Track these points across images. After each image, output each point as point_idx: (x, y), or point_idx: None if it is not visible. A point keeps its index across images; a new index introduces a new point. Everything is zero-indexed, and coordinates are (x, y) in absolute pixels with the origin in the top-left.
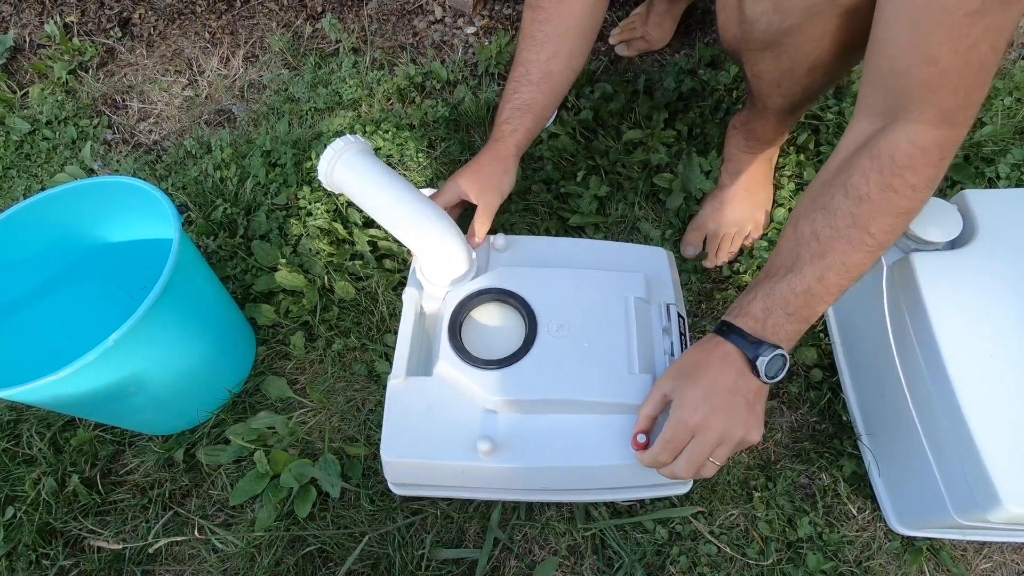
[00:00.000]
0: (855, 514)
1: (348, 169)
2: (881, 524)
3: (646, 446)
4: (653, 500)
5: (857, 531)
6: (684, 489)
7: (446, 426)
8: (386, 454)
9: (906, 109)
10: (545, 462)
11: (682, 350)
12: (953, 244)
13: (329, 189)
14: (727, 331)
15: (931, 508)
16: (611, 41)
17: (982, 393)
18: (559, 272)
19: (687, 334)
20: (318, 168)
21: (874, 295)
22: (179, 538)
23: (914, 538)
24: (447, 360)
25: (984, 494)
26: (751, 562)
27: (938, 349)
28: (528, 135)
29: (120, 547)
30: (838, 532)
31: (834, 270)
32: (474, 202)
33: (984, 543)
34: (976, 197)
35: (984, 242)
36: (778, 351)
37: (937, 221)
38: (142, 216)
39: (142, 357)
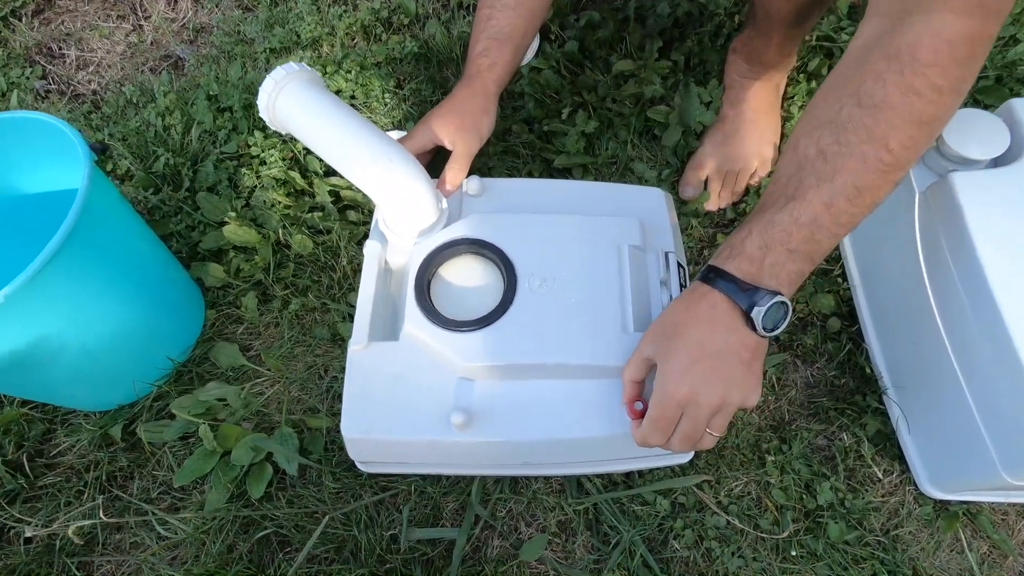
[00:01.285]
0: (880, 477)
1: (293, 102)
2: (911, 488)
3: (643, 413)
4: (654, 468)
5: (883, 496)
6: (686, 458)
7: (415, 397)
8: (347, 430)
9: (929, 2)
10: (529, 435)
11: None
12: (997, 162)
13: (273, 127)
14: (715, 277)
15: (973, 467)
16: None
17: None
18: (541, 219)
19: (688, 286)
20: (258, 103)
21: (903, 227)
22: (119, 520)
23: (948, 502)
24: (414, 322)
25: None
26: (764, 534)
27: (985, 281)
28: (507, 68)
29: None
30: (862, 498)
31: (845, 195)
32: (448, 146)
33: None
34: None
35: None
36: (778, 297)
37: (980, 136)
38: (62, 163)
39: (50, 319)
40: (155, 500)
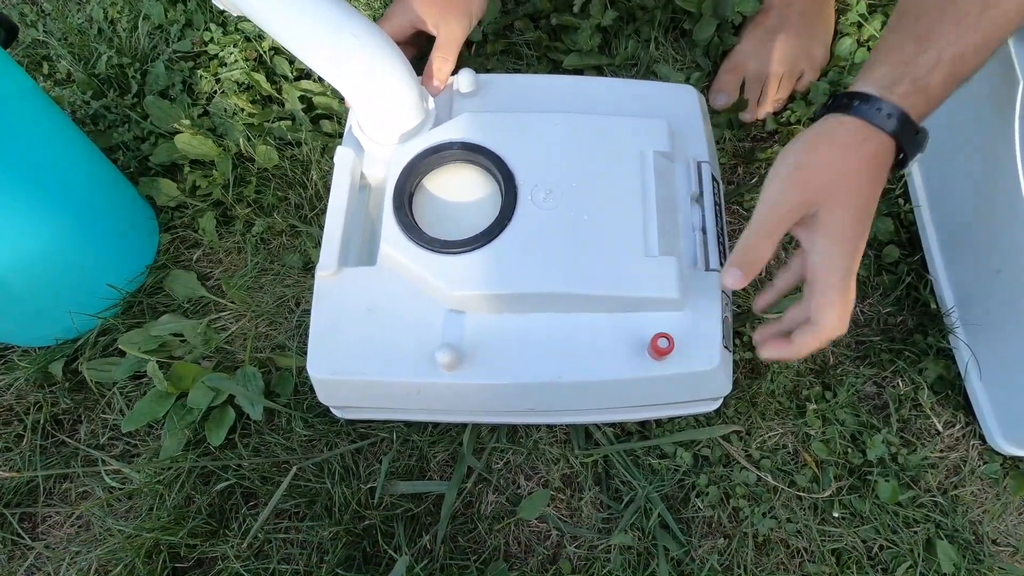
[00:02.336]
0: (940, 429)
1: None
2: (976, 442)
3: (667, 352)
4: (672, 419)
5: (943, 451)
6: (714, 406)
7: (394, 332)
8: (314, 370)
9: None
10: (529, 377)
11: (717, 226)
12: None
13: (222, 7)
14: (883, 114)
15: None
16: None
17: None
18: (547, 118)
19: (722, 205)
20: None
21: (998, 133)
22: (63, 471)
23: (1021, 459)
24: (393, 243)
25: None
26: (802, 493)
27: None
28: None
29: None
30: (918, 453)
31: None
32: (432, 31)
33: None
34: None
35: None
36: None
37: None
38: None
39: None
40: (105, 447)
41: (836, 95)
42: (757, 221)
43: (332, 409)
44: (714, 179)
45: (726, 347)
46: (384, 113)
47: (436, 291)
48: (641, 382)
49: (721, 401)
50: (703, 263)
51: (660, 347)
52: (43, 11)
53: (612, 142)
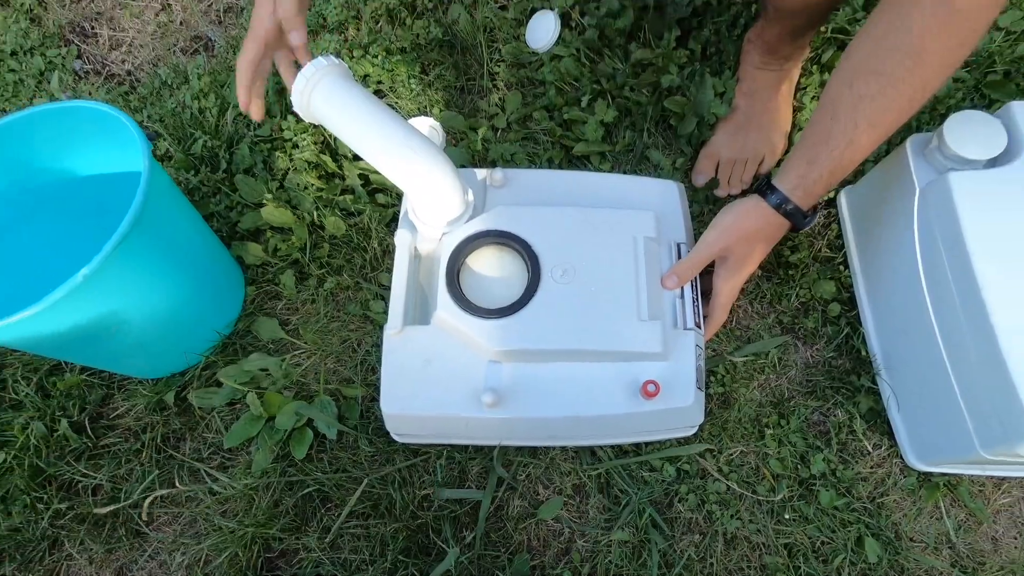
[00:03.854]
0: (870, 451)
1: (325, 100)
2: (897, 460)
3: (655, 394)
4: (660, 441)
5: (872, 468)
6: (691, 431)
7: (447, 378)
8: (386, 407)
9: None
10: (551, 412)
11: (693, 292)
12: (995, 162)
13: (307, 120)
14: (782, 205)
15: (954, 443)
16: None
17: (1018, 321)
18: (563, 211)
19: (696, 277)
20: (292, 100)
21: (903, 221)
22: (170, 490)
23: (931, 474)
24: (446, 309)
25: (1017, 426)
26: (761, 499)
27: (974, 276)
28: None
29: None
30: (852, 469)
31: (886, 132)
32: (278, 13)
33: (1004, 478)
34: (1022, 110)
35: None
36: (820, 215)
37: (978, 137)
38: (111, 146)
39: (119, 294)
40: (206, 460)
41: (765, 180)
42: (696, 252)
43: (394, 435)
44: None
45: (699, 388)
46: (435, 206)
47: (480, 347)
48: (635, 416)
49: (697, 427)
50: (682, 324)
51: (649, 391)
52: (142, 97)
53: (612, 230)
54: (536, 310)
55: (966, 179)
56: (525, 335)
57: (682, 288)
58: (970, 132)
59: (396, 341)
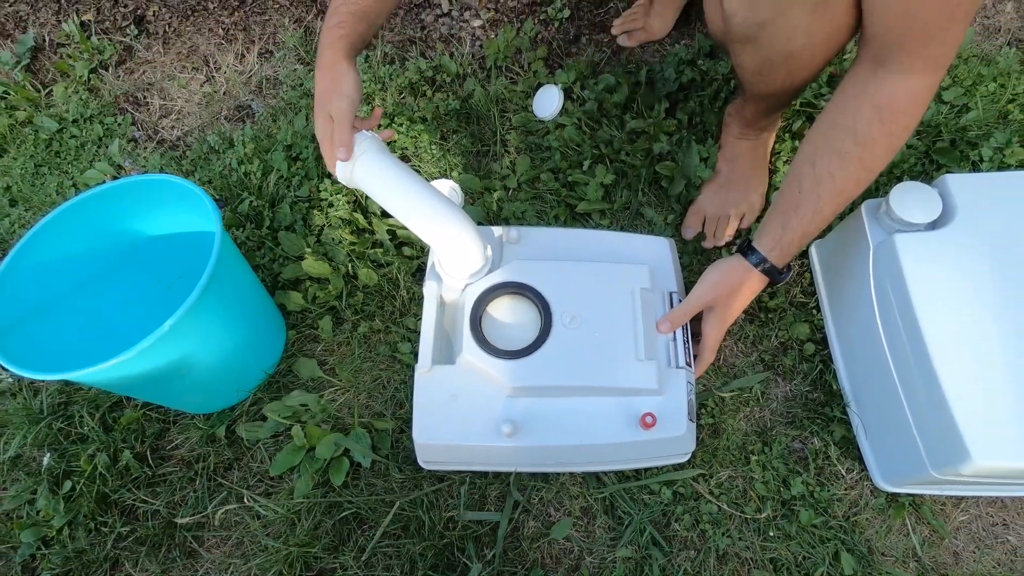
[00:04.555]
0: (843, 474)
1: (366, 171)
2: (867, 483)
3: (652, 425)
4: (658, 468)
5: (845, 490)
6: (685, 458)
7: (471, 411)
8: (418, 437)
9: (900, 60)
10: (562, 441)
11: (684, 335)
12: (934, 225)
13: (349, 187)
14: (760, 264)
15: (911, 465)
16: (613, 32)
17: (955, 360)
18: (571, 265)
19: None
20: (336, 173)
21: (862, 274)
22: (230, 506)
23: (897, 494)
24: (470, 352)
25: (956, 450)
26: (748, 518)
27: (917, 321)
28: (361, 39)
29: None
30: (828, 491)
31: (843, 205)
32: (334, 116)
33: (961, 497)
34: (955, 181)
35: (962, 223)
36: (792, 271)
37: (919, 204)
38: (178, 210)
39: (191, 341)
40: (252, 487)
41: (747, 241)
42: (687, 303)
43: (421, 463)
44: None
45: (691, 419)
46: (459, 261)
47: (499, 384)
48: (635, 444)
49: (691, 454)
50: (674, 363)
51: (647, 422)
52: (193, 160)
53: (613, 282)
54: (548, 352)
55: (909, 239)
56: (539, 373)
57: (674, 331)
58: (912, 200)
59: (425, 379)
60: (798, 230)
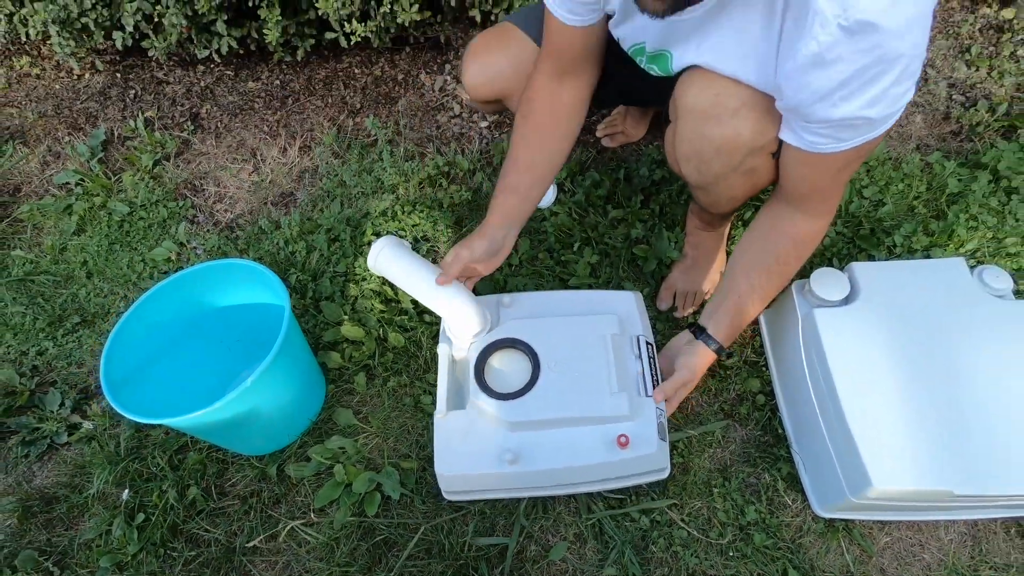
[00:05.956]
0: (789, 504)
1: (388, 263)
2: (809, 511)
3: (626, 445)
4: (639, 496)
5: (791, 517)
6: (664, 474)
7: (480, 445)
8: (439, 469)
9: (807, 209)
10: (554, 464)
11: (651, 370)
12: (845, 301)
13: (374, 271)
14: (719, 350)
15: (837, 493)
16: (597, 134)
17: (860, 407)
18: (553, 320)
19: (655, 357)
20: (368, 262)
21: (794, 338)
22: (280, 534)
23: (833, 520)
24: (477, 397)
25: (862, 478)
26: (712, 541)
27: (831, 374)
28: (513, 210)
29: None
30: (777, 518)
31: (764, 304)
32: (455, 253)
33: (884, 522)
34: (859, 268)
35: (865, 300)
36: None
37: (832, 285)
38: (246, 286)
39: (260, 394)
40: (297, 517)
41: (696, 323)
42: (672, 379)
43: (444, 492)
44: (647, 343)
45: (661, 439)
46: (463, 328)
47: (500, 421)
48: (615, 464)
49: (668, 471)
50: (643, 392)
51: (622, 442)
52: (246, 240)
53: (588, 331)
54: (538, 392)
55: (825, 313)
56: (532, 410)
57: (641, 366)
58: (827, 282)
59: (443, 422)
60: (737, 323)
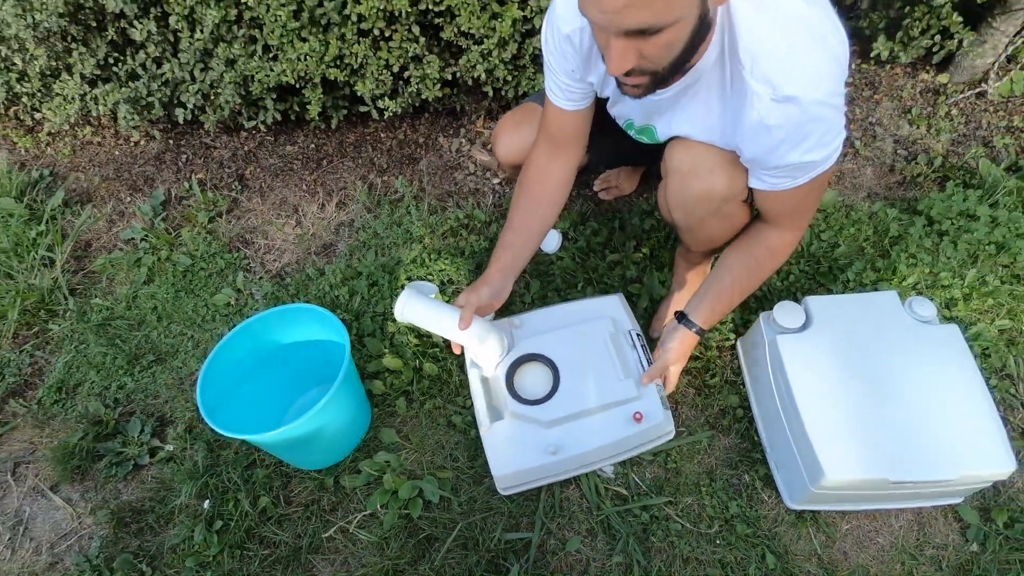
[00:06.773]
0: (766, 499)
1: (412, 311)
2: (782, 505)
3: (641, 419)
4: (640, 495)
5: (768, 510)
6: (670, 436)
7: (525, 444)
8: (495, 471)
9: (779, 225)
10: (588, 447)
11: (646, 357)
12: (801, 328)
13: (400, 320)
14: (700, 333)
15: (801, 486)
16: (595, 188)
17: (815, 412)
18: (561, 332)
19: (646, 345)
20: (394, 310)
21: (763, 359)
22: (337, 535)
23: (802, 511)
24: (512, 407)
25: (817, 469)
26: (702, 532)
27: (791, 387)
28: (509, 263)
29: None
30: (756, 511)
31: (743, 299)
32: (467, 298)
33: (844, 512)
34: (813, 300)
35: (817, 328)
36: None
37: (791, 315)
38: (308, 327)
39: (328, 416)
40: (349, 521)
41: (682, 312)
42: (660, 363)
43: (500, 489)
44: (637, 334)
45: (665, 408)
46: (486, 357)
47: (537, 422)
48: (634, 435)
49: (673, 433)
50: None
51: (637, 417)
52: (295, 286)
53: (589, 335)
54: (563, 392)
55: (787, 338)
56: (561, 407)
57: (638, 355)
58: (786, 313)
59: (488, 433)
60: (719, 313)
